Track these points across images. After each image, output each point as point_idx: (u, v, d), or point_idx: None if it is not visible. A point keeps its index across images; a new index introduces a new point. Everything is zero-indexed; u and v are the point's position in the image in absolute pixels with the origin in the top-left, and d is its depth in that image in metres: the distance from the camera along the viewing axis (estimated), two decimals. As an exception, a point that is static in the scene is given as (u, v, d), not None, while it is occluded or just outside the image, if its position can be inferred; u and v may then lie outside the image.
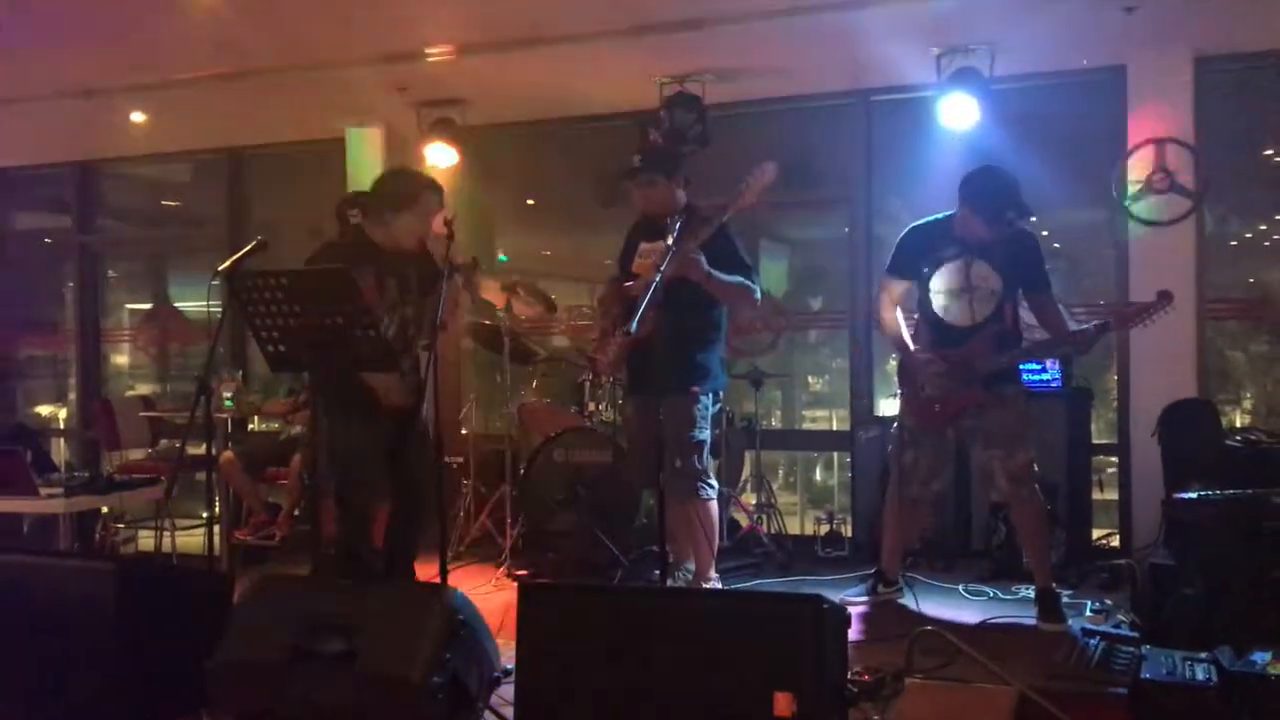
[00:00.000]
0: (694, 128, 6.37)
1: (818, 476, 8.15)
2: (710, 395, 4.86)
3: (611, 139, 7.21)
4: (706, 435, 4.84)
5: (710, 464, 4.94)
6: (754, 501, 6.46)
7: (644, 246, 4.80)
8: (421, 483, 4.30)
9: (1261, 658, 3.21)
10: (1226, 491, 4.30)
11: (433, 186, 4.43)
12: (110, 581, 3.42)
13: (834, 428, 7.54)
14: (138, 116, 7.30)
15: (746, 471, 6.66)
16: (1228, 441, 5.38)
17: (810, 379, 8.05)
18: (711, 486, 4.86)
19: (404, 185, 4.40)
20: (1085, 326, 4.63)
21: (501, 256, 7.72)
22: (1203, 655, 3.32)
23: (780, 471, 8.02)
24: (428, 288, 4.36)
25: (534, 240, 8.24)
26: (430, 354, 3.95)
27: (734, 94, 6.59)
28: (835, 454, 7.64)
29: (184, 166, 8.93)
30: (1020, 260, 4.63)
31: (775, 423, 7.76)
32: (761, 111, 6.96)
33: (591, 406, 6.06)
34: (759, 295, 4.85)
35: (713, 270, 4.57)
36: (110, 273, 9.29)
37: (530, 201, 8.02)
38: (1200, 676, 3.21)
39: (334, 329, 3.68)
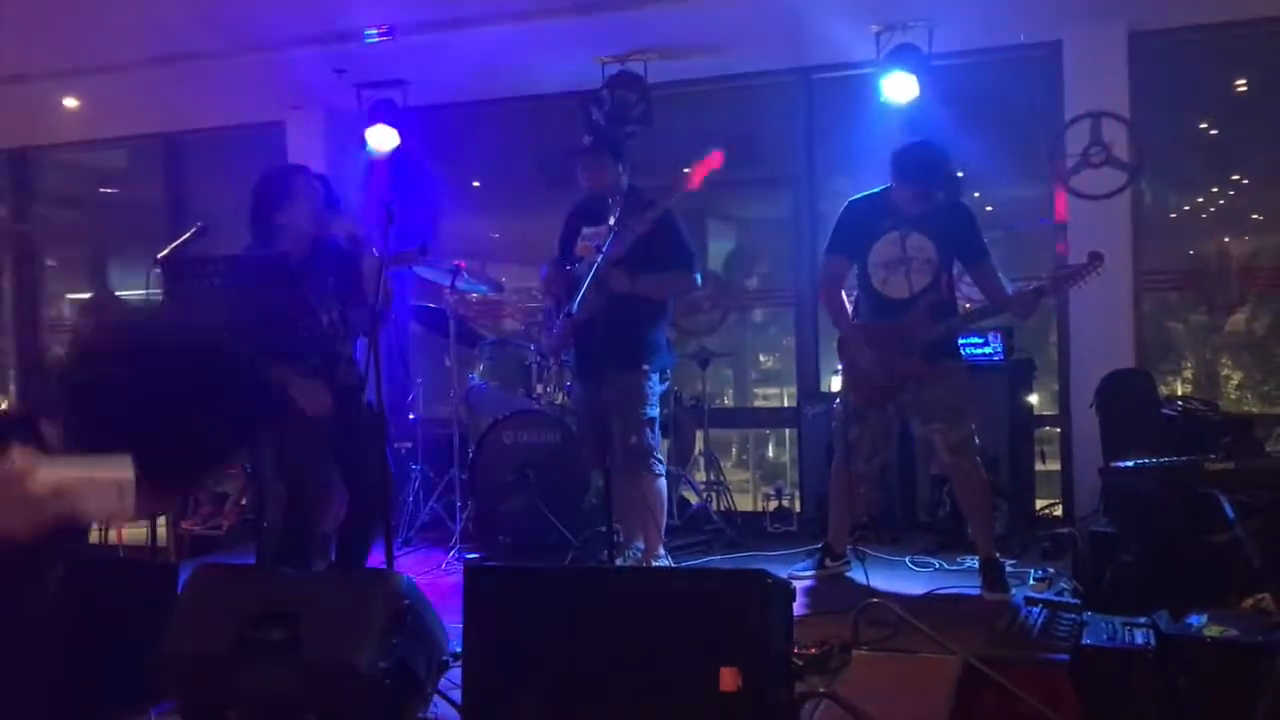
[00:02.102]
0: (636, 107, 6.37)
1: (770, 453, 8.20)
2: (658, 373, 4.88)
3: (555, 119, 7.19)
4: (656, 412, 4.86)
5: (659, 441, 4.96)
6: (703, 479, 6.49)
7: (586, 230, 4.79)
8: (371, 475, 4.27)
9: (1197, 620, 3.27)
10: (1162, 459, 4.38)
11: (299, 170, 4.36)
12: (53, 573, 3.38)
13: (786, 404, 7.59)
14: (71, 102, 7.16)
15: (697, 450, 6.70)
16: (1164, 410, 5.47)
17: (761, 357, 8.09)
18: (661, 463, 4.88)
19: (272, 184, 4.25)
20: (1021, 291, 4.70)
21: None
22: (1142, 620, 3.38)
23: (733, 449, 8.06)
24: (349, 285, 4.25)
25: (481, 223, 8.19)
26: (371, 341, 3.93)
27: (676, 73, 6.59)
28: (787, 431, 7.69)
29: (120, 152, 8.78)
30: (956, 230, 4.68)
31: (727, 401, 7.80)
32: (703, 90, 6.97)
33: (539, 388, 6.05)
34: (699, 279, 4.87)
35: (636, 280, 4.58)
36: (49, 261, 9.12)
37: (476, 184, 7.98)
38: (1139, 641, 3.27)
39: (272, 316, 3.65)
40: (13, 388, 8.94)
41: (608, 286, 4.50)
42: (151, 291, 4.29)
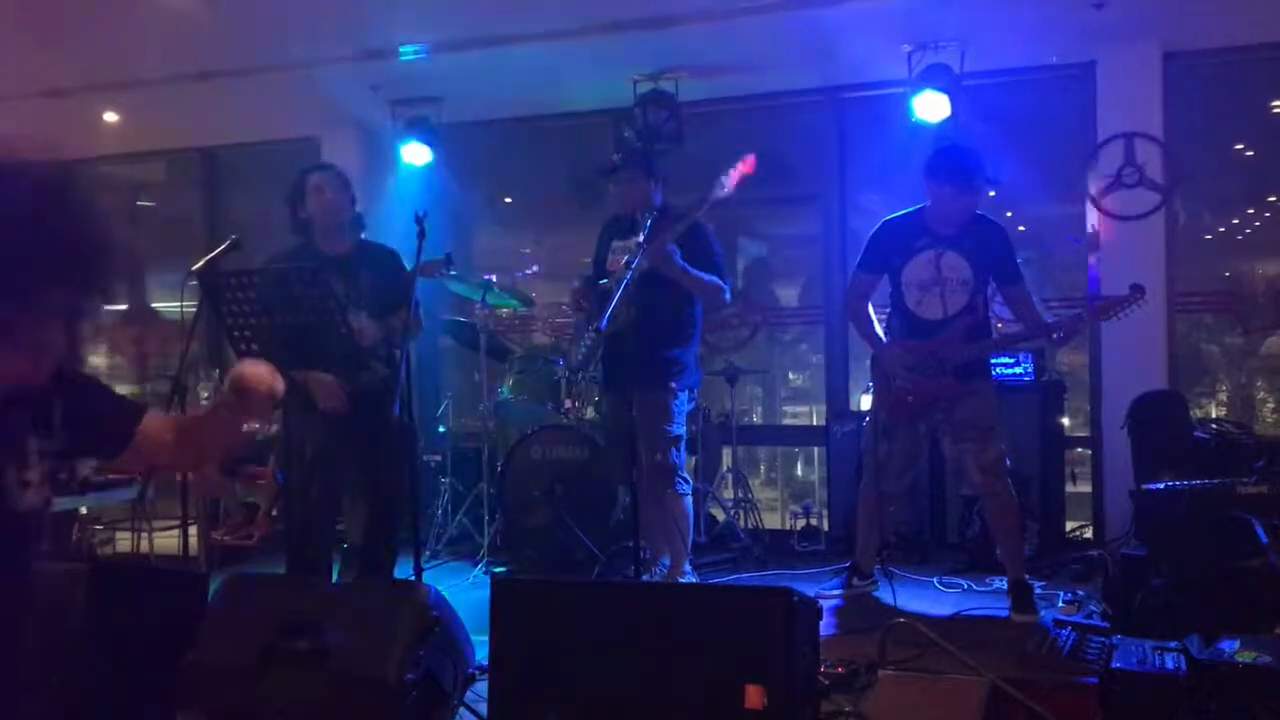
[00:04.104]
0: (668, 125, 6.39)
1: (798, 471, 8.17)
2: (685, 392, 4.88)
3: (587, 137, 7.23)
4: (682, 430, 4.86)
5: (685, 460, 4.96)
6: (731, 497, 6.48)
7: (617, 244, 4.82)
8: (394, 481, 4.29)
9: (1229, 646, 3.23)
10: (1194, 482, 4.34)
11: (318, 167, 4.50)
12: (84, 582, 3.41)
13: (814, 423, 7.57)
14: (110, 116, 7.26)
15: (724, 466, 6.69)
16: (1197, 433, 5.43)
17: (791, 374, 8.07)
18: (686, 482, 4.88)
19: (293, 183, 4.42)
20: (1059, 319, 4.68)
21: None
22: (1172, 644, 3.34)
23: (761, 467, 8.04)
24: (381, 293, 4.31)
25: (512, 239, 8.24)
26: (402, 354, 3.95)
27: (707, 92, 6.62)
28: (815, 449, 7.67)
29: (158, 166, 8.88)
30: (991, 250, 4.66)
31: (756, 418, 7.78)
32: (735, 109, 6.98)
33: (568, 403, 6.06)
34: (729, 294, 4.88)
35: (686, 265, 4.58)
36: (86, 273, 9.21)
37: (507, 200, 8.02)
38: (1170, 665, 3.23)
39: (305, 328, 3.69)
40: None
41: (653, 272, 4.50)
42: (186, 304, 4.34)
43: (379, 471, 4.30)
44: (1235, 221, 6.73)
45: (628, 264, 4.43)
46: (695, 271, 4.63)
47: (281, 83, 6.50)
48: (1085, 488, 6.27)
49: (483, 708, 3.24)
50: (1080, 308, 4.80)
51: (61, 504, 5.87)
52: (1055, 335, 4.67)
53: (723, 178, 4.55)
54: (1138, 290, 4.48)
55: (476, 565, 5.77)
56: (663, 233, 4.53)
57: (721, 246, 4.92)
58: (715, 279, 4.73)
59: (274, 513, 6.37)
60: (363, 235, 4.51)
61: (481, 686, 3.33)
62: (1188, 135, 6.09)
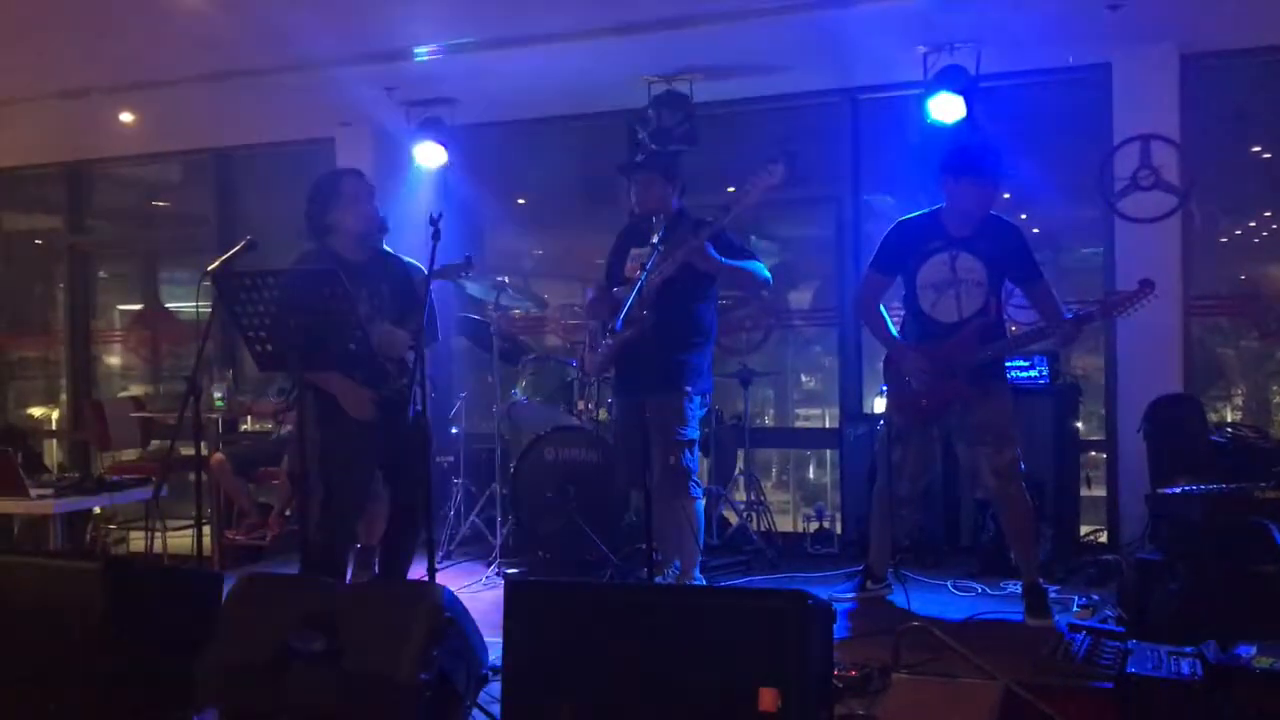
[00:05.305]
0: (681, 126, 6.38)
1: (811, 474, 8.16)
2: (699, 396, 4.87)
3: (601, 138, 7.23)
4: (695, 434, 4.85)
5: (698, 463, 4.95)
6: (743, 499, 6.47)
7: (635, 252, 4.81)
8: (412, 483, 4.30)
9: (1246, 651, 3.21)
10: (1210, 486, 4.32)
11: (350, 173, 4.45)
12: (98, 581, 3.42)
13: (828, 425, 7.55)
14: (126, 117, 7.29)
15: (737, 469, 6.68)
16: (1213, 437, 5.41)
17: (804, 377, 8.06)
18: (698, 485, 4.87)
19: (322, 186, 4.38)
20: (1069, 316, 4.67)
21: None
22: (1188, 649, 3.33)
23: (774, 469, 8.03)
24: (401, 301, 4.32)
25: (525, 240, 8.24)
26: (418, 356, 3.95)
27: (721, 93, 6.61)
28: (828, 452, 7.65)
29: (174, 166, 8.92)
30: (1007, 251, 4.64)
31: (769, 420, 7.77)
32: (749, 110, 6.97)
33: (581, 405, 6.07)
34: (769, 276, 4.87)
35: (721, 257, 4.58)
36: (101, 273, 9.27)
37: (521, 201, 8.03)
38: (1185, 670, 3.21)
39: (320, 329, 3.69)
40: (64, 397, 9.07)
41: (670, 276, 4.52)
42: (201, 304, 4.35)
43: (398, 474, 4.31)
44: (1252, 224, 6.70)
45: (644, 266, 4.43)
46: (733, 262, 4.64)
47: (296, 84, 6.52)
48: (1100, 492, 6.24)
49: (496, 709, 3.25)
50: (1091, 305, 4.77)
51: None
52: (1062, 334, 4.64)
53: (748, 186, 4.51)
54: (1147, 285, 4.46)
55: (489, 566, 5.77)
56: (683, 235, 4.53)
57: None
58: (750, 264, 4.73)
59: (288, 513, 6.39)
60: (384, 242, 4.51)
61: (494, 687, 3.33)
62: (1204, 137, 6.06)
